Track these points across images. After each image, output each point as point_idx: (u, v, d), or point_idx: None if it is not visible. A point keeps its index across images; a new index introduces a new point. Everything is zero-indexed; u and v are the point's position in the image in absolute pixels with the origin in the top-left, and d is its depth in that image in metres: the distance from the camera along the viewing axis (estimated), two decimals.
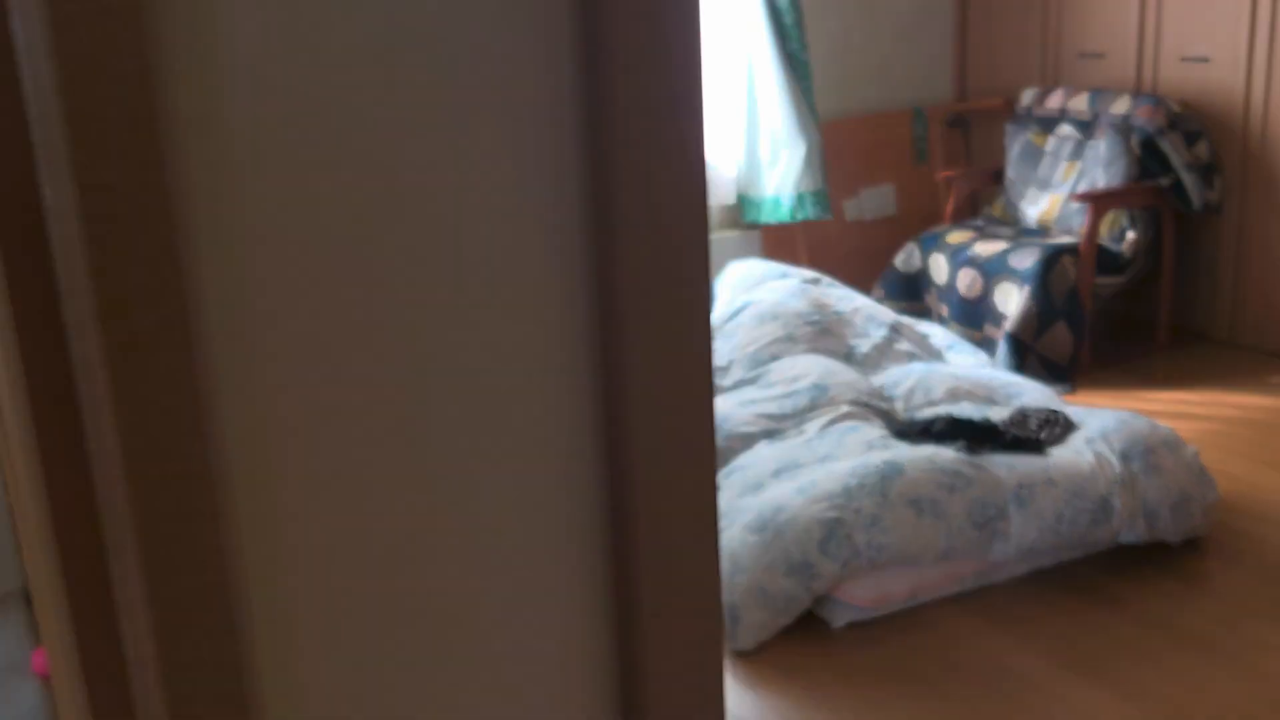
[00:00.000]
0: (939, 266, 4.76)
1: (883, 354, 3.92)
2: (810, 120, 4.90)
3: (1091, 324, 4.46)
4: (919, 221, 5.31)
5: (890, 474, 2.99)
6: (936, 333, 4.39)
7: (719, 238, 5.17)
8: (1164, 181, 4.48)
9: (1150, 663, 2.72)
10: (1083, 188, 4.63)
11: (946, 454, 3.08)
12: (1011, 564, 3.06)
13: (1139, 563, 3.12)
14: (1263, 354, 4.55)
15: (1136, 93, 4.65)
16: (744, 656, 2.85)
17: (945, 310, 4.74)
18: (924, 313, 4.86)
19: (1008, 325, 4.37)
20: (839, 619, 2.94)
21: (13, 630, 2.80)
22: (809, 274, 4.30)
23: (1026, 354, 4.35)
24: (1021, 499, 2.99)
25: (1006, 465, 3.06)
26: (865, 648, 2.86)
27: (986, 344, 4.51)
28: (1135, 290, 4.73)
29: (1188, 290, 4.77)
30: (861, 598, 2.92)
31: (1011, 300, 4.40)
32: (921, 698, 2.65)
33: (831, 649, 2.86)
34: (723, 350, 3.93)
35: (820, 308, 4.01)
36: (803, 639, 2.90)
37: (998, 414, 3.43)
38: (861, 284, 5.13)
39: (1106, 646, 2.79)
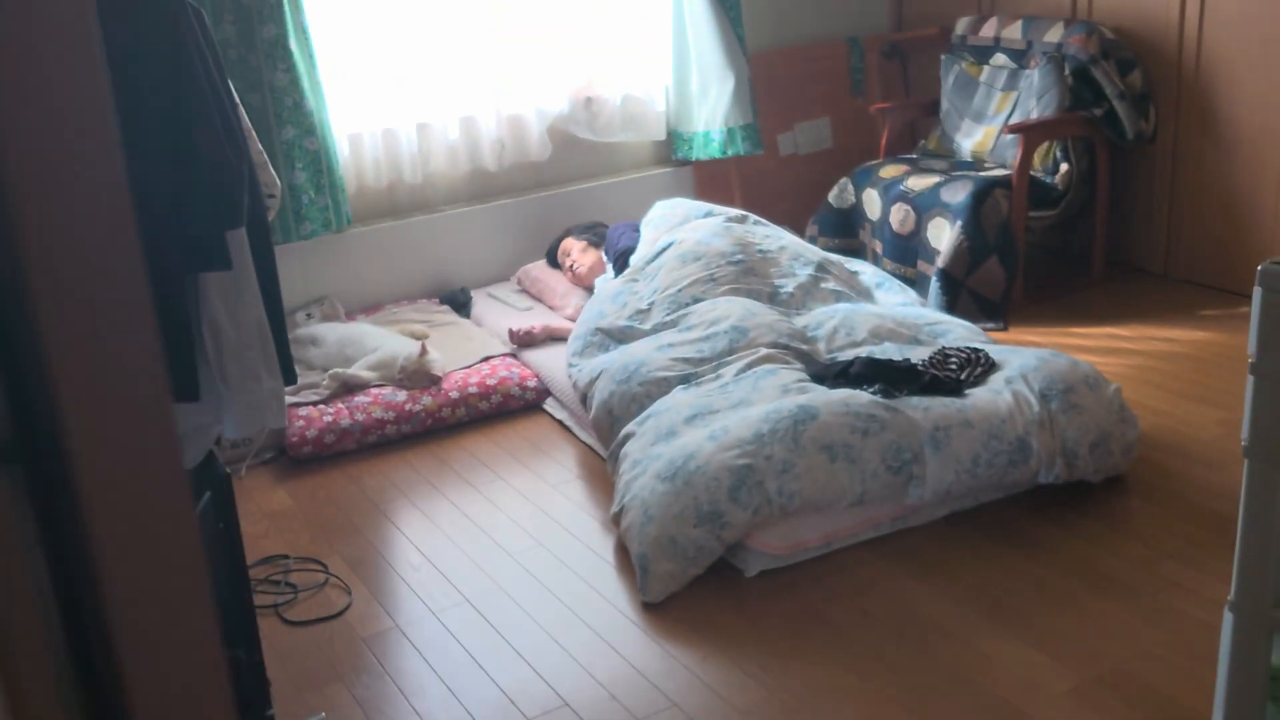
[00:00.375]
0: (872, 202, 4.66)
1: (808, 293, 3.82)
2: (739, 51, 4.76)
3: (1025, 259, 4.38)
4: (857, 155, 5.19)
5: (803, 419, 2.91)
6: (867, 270, 4.30)
7: (650, 175, 5.05)
8: (1097, 111, 4.38)
9: (1065, 608, 2.67)
10: (1017, 119, 4.53)
11: (862, 397, 3.00)
12: (928, 508, 3.00)
13: (1059, 504, 3.07)
14: (1197, 286, 4.50)
15: (1070, 20, 4.54)
16: (653, 608, 2.77)
17: (879, 247, 4.65)
18: (858, 250, 4.77)
19: (940, 261, 4.29)
20: (752, 567, 2.86)
21: None
22: (734, 212, 4.19)
23: (958, 291, 4.27)
24: (937, 442, 2.92)
25: (922, 408, 2.98)
26: (778, 596, 2.79)
27: (920, 281, 4.43)
28: (1069, 224, 4.65)
29: (1122, 223, 4.70)
30: (774, 545, 2.85)
31: (944, 235, 4.31)
32: (832, 647, 2.59)
33: (744, 598, 2.80)
34: (644, 292, 3.82)
35: (744, 247, 3.90)
36: (715, 588, 2.83)
37: (919, 354, 3.35)
38: (797, 220, 5.03)
39: (1022, 592, 2.74)
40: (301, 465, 3.66)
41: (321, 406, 3.77)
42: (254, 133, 2.06)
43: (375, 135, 4.42)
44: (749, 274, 3.80)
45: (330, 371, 3.90)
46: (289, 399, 3.78)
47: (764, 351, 3.37)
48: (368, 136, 4.42)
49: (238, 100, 2.01)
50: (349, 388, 3.87)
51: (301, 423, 3.68)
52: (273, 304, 2.11)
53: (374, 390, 3.85)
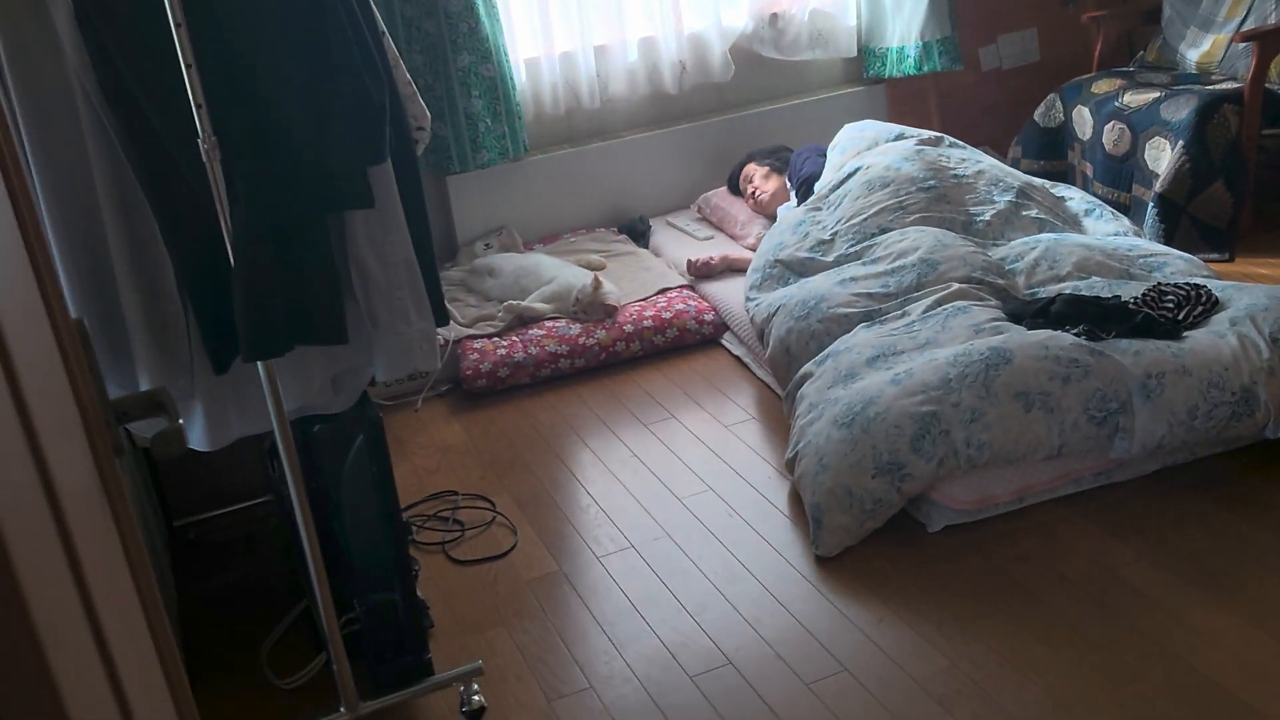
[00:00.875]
0: (1083, 120, 4.29)
1: (1007, 222, 3.53)
2: None
3: (1255, 182, 3.95)
4: (1066, 70, 4.79)
5: (996, 363, 2.67)
6: (1075, 196, 3.95)
7: (839, 95, 4.78)
8: None
9: None
10: (1251, 25, 4.07)
11: (1063, 339, 2.73)
12: (1136, 462, 2.72)
13: None
14: None
15: None
16: (826, 563, 2.62)
17: (1089, 170, 4.28)
18: (1066, 173, 4.41)
19: (1158, 185, 3.91)
20: (936, 522, 2.67)
21: None
22: (927, 134, 3.90)
23: (1179, 218, 3.89)
24: (1148, 390, 2.63)
25: (1133, 351, 2.70)
26: (962, 555, 2.59)
27: (1135, 207, 4.06)
28: None
29: None
30: (960, 499, 2.64)
31: (1163, 157, 3.92)
32: (1019, 615, 2.38)
33: (925, 555, 2.60)
34: (827, 222, 3.60)
35: (937, 172, 3.62)
36: (894, 543, 2.65)
37: (1130, 291, 3.04)
38: (999, 142, 4.69)
39: (1241, 559, 2.46)
40: (475, 398, 3.62)
41: (496, 339, 3.72)
42: (400, 62, 1.95)
43: (553, 60, 4.30)
44: (941, 201, 3.54)
45: (505, 303, 3.84)
46: (466, 331, 3.75)
47: (955, 287, 3.12)
48: (545, 61, 4.30)
49: (383, 29, 1.90)
50: (523, 320, 3.80)
51: (475, 355, 3.63)
52: (422, 242, 2.01)
53: (548, 323, 3.77)
